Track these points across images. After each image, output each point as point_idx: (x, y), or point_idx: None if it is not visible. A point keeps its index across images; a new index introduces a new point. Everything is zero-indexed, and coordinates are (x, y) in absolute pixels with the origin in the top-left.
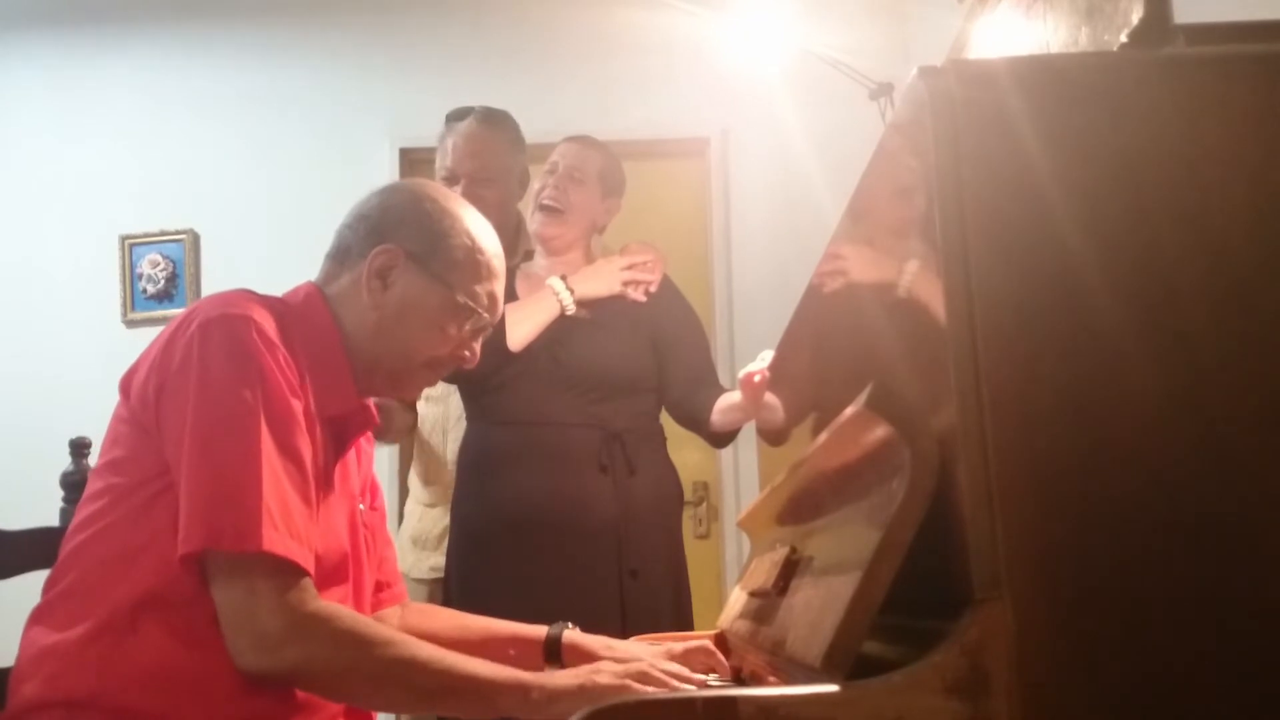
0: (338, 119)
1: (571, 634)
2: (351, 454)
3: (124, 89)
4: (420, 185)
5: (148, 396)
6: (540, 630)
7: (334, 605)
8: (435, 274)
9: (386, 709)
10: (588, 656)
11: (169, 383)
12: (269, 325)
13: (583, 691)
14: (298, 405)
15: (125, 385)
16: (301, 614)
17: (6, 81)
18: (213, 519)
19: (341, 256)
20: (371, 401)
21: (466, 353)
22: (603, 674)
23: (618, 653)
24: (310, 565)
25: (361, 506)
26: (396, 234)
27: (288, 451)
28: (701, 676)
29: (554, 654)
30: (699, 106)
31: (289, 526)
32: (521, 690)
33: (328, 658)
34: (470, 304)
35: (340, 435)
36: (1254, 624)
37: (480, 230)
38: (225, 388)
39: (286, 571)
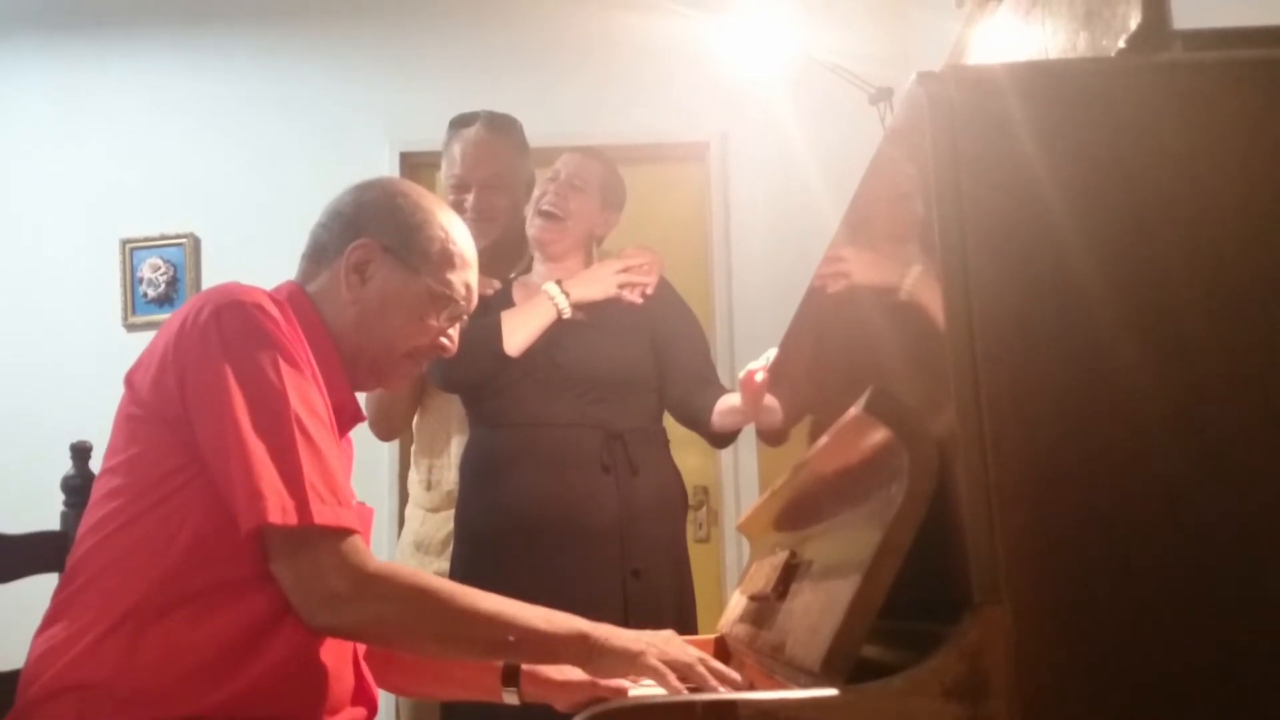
0: (338, 123)
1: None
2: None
3: (125, 93)
4: (393, 181)
5: (168, 388)
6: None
7: (391, 563)
8: (411, 266)
9: (451, 658)
10: (543, 680)
11: (192, 371)
12: (275, 311)
13: (631, 657)
14: (311, 377)
15: (131, 380)
16: (366, 574)
17: (8, 85)
18: (270, 498)
19: (318, 255)
20: None
21: (445, 341)
22: (652, 652)
23: (567, 675)
24: (357, 524)
25: (354, 502)
26: (372, 228)
27: (315, 415)
28: (738, 679)
29: (512, 675)
30: (698, 111)
31: (335, 494)
32: (581, 639)
33: (397, 614)
34: (447, 293)
35: (337, 426)
36: (1253, 626)
37: (452, 224)
38: (254, 366)
39: (340, 535)
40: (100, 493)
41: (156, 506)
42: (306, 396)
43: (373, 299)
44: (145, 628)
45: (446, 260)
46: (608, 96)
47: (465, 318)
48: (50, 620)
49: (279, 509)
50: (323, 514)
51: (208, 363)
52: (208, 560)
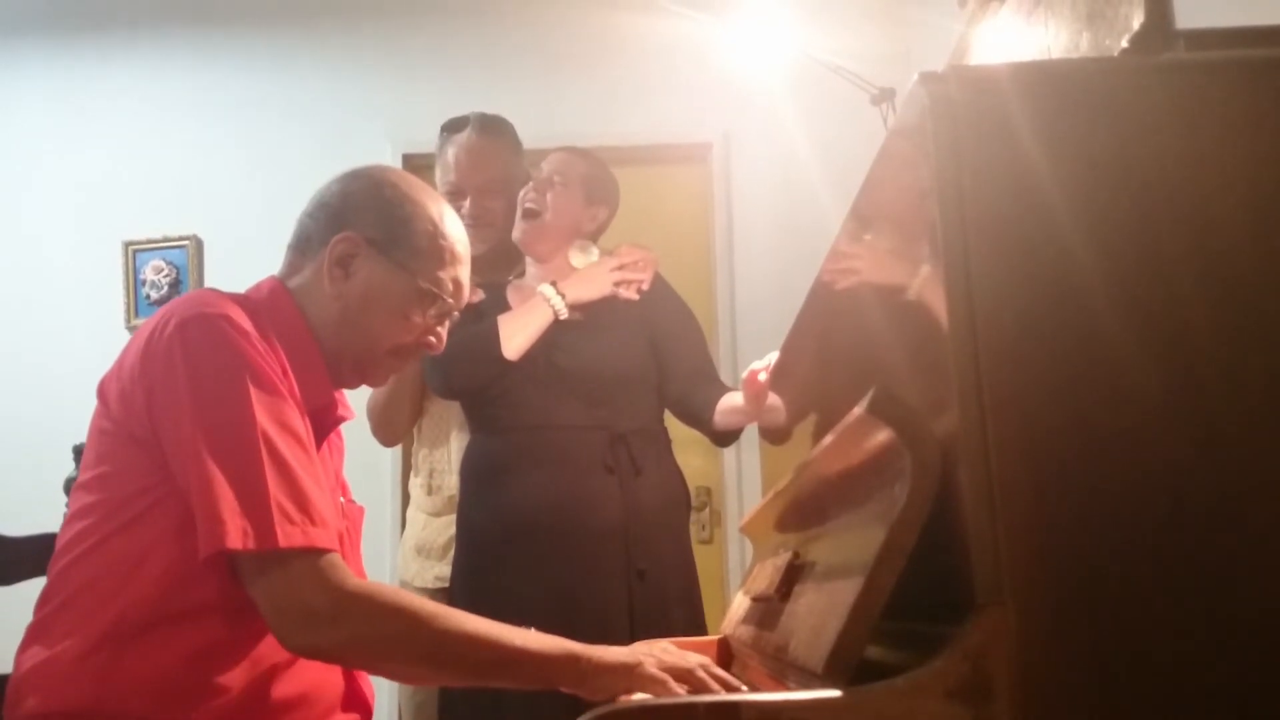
0: (340, 124)
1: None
2: (325, 449)
3: (127, 95)
4: (381, 171)
5: (136, 405)
6: None
7: (372, 582)
8: (398, 261)
9: (435, 682)
10: None
11: (159, 389)
12: (245, 322)
13: (627, 671)
14: (285, 391)
15: (103, 391)
16: (345, 591)
17: (11, 88)
18: (230, 522)
19: (303, 247)
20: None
21: (432, 339)
22: (650, 661)
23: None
24: (334, 543)
25: (341, 500)
26: (357, 221)
27: (288, 431)
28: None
29: None
30: (701, 111)
31: (306, 512)
32: (572, 660)
33: (376, 633)
34: (434, 290)
35: (318, 428)
36: (1256, 626)
37: (443, 215)
38: (217, 385)
39: (315, 554)
40: (74, 507)
41: (128, 527)
42: (276, 412)
43: (356, 294)
44: (123, 650)
45: (435, 255)
46: (610, 98)
47: (456, 314)
48: (31, 639)
49: (239, 533)
50: (290, 536)
51: (171, 384)
52: (181, 582)
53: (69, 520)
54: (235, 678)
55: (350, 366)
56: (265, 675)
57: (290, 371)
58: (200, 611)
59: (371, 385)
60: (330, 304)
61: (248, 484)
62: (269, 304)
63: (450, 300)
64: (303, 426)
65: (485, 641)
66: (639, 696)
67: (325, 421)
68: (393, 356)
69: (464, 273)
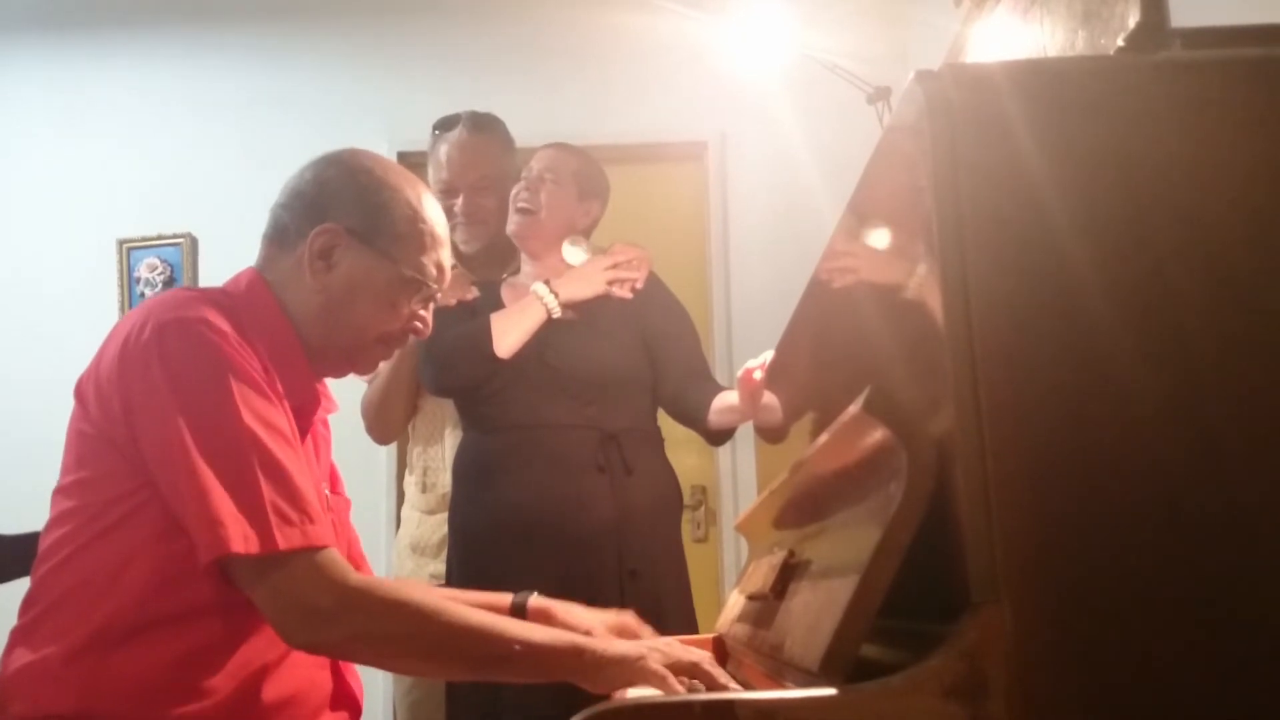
0: (335, 122)
1: (537, 601)
2: (311, 442)
3: (122, 92)
4: (354, 156)
5: (113, 411)
6: (505, 598)
7: (373, 577)
8: (380, 249)
9: (439, 675)
10: (552, 622)
11: (138, 396)
12: (223, 323)
13: (630, 664)
14: (269, 390)
15: (81, 392)
16: (348, 587)
17: (4, 85)
18: (230, 527)
19: (279, 238)
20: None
21: (419, 324)
22: (654, 656)
23: (574, 619)
24: (331, 538)
25: (327, 492)
26: (335, 211)
27: (275, 430)
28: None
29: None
30: (697, 110)
31: (301, 511)
32: (576, 653)
33: (380, 628)
34: (418, 276)
35: (301, 422)
36: (1252, 625)
37: (421, 198)
38: (201, 390)
39: (313, 551)
40: (55, 512)
41: (109, 533)
42: (260, 411)
43: (339, 286)
44: (108, 654)
45: (416, 241)
46: (606, 96)
47: (439, 297)
48: (15, 642)
49: (240, 537)
50: (289, 537)
51: (152, 391)
52: (165, 586)
53: (50, 525)
54: (222, 680)
55: (337, 357)
56: (252, 677)
57: (271, 368)
58: (185, 615)
59: (359, 374)
60: (312, 297)
61: (242, 488)
62: (247, 299)
63: (434, 285)
64: (287, 423)
65: (489, 635)
66: (637, 692)
67: (306, 416)
68: (380, 344)
69: (445, 255)
